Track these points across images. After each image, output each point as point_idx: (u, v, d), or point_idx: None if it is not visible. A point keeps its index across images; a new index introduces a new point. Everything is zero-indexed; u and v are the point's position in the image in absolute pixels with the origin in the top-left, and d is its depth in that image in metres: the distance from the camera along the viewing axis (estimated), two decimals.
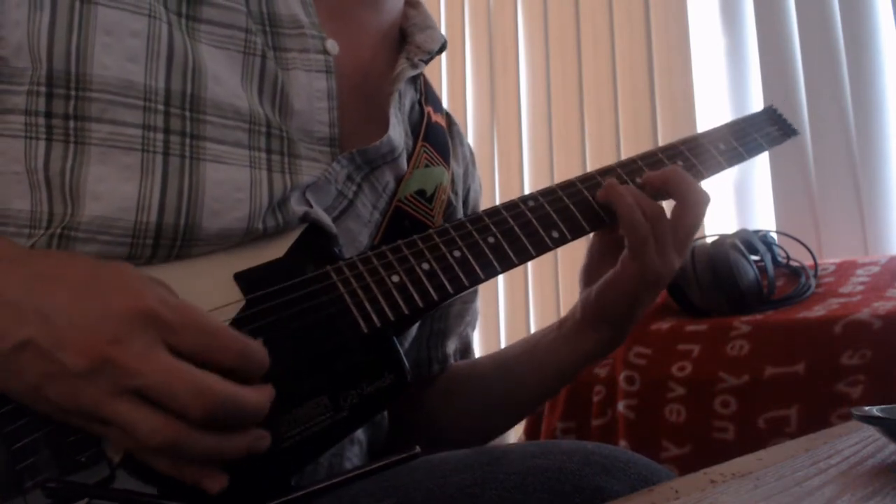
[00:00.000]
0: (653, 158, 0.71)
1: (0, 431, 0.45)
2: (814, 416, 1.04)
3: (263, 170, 0.57)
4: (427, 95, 0.76)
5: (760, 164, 1.77)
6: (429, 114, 0.73)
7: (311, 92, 0.62)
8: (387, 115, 0.67)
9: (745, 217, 1.78)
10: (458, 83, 2.38)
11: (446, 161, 0.73)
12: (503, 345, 2.23)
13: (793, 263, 1.37)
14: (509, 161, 2.23)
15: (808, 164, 1.68)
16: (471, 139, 2.34)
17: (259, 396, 0.46)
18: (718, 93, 1.84)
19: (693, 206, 0.65)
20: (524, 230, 0.62)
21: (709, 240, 1.33)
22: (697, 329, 1.22)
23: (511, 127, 2.24)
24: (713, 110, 1.85)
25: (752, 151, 0.77)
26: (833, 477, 0.37)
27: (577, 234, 0.64)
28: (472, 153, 0.86)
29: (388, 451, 0.60)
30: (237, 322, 0.52)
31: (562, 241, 0.63)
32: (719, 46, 1.84)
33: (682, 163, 0.71)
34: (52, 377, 0.43)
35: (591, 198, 0.66)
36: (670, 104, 1.93)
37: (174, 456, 0.44)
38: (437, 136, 0.73)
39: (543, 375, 0.75)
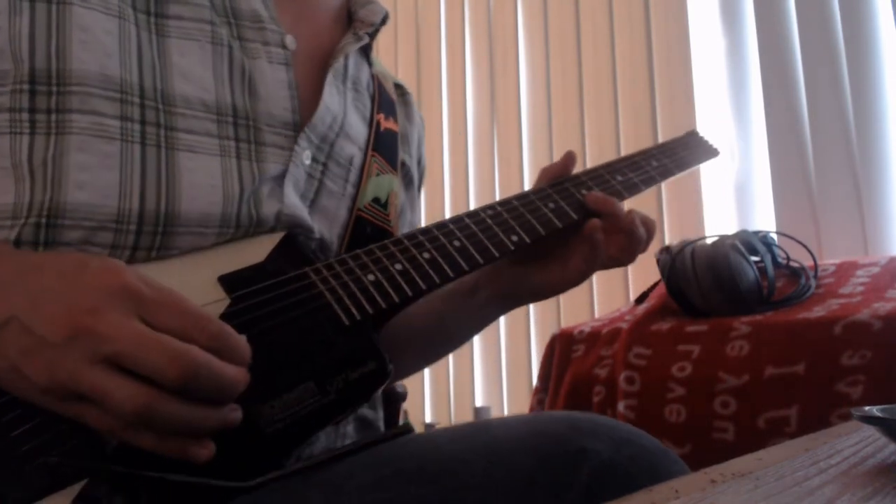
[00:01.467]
0: (596, 173, 0.82)
1: None
2: (814, 416, 1.04)
3: (233, 157, 0.61)
4: (381, 103, 0.80)
5: (760, 165, 1.77)
6: (379, 122, 0.78)
7: (275, 81, 0.66)
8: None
9: (745, 217, 1.78)
10: (458, 83, 2.38)
11: (394, 168, 0.79)
12: (503, 344, 2.24)
13: (793, 264, 1.37)
14: (509, 161, 2.23)
15: (808, 164, 1.68)
16: (471, 139, 2.34)
17: (235, 371, 0.46)
18: (718, 93, 1.84)
19: (622, 241, 0.76)
20: (486, 234, 0.70)
21: (709, 240, 1.33)
22: (697, 329, 1.22)
23: (511, 127, 2.24)
24: (713, 110, 1.85)
25: (681, 167, 0.89)
26: (833, 477, 0.37)
27: (533, 237, 0.72)
28: (422, 120, 0.94)
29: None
30: (224, 317, 0.54)
31: (520, 243, 0.71)
32: (719, 46, 1.84)
33: (621, 178, 0.82)
34: (30, 352, 0.44)
35: (543, 207, 0.75)
36: (670, 104, 1.93)
37: (153, 427, 0.44)
38: (386, 144, 0.78)
39: (456, 336, 0.89)
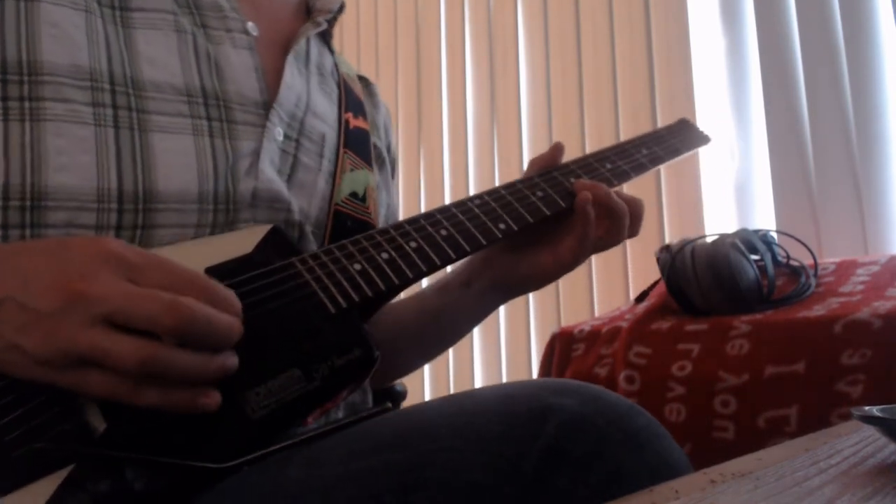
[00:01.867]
0: (584, 162, 0.82)
1: None
2: (814, 415, 1.04)
3: (206, 136, 0.63)
4: (348, 102, 0.82)
5: (760, 164, 1.77)
6: (347, 121, 0.79)
7: (241, 64, 0.68)
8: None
9: (745, 216, 1.78)
10: (458, 83, 2.38)
11: (369, 164, 0.81)
12: (503, 344, 2.23)
13: (793, 263, 1.37)
14: (509, 161, 2.23)
15: (808, 164, 1.68)
16: (471, 139, 2.34)
17: (229, 318, 0.48)
18: (718, 93, 1.84)
19: (611, 226, 0.78)
20: (473, 222, 0.70)
21: (709, 239, 1.33)
22: (697, 328, 1.22)
23: (511, 127, 2.24)
24: (713, 110, 1.85)
25: (671, 154, 0.90)
26: (833, 477, 0.37)
27: (521, 224, 0.73)
28: (387, 110, 0.96)
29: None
30: None
31: (508, 231, 0.71)
32: (719, 46, 1.84)
33: (610, 165, 0.83)
34: (27, 327, 0.45)
35: (531, 195, 0.75)
36: (670, 104, 1.93)
37: (157, 380, 0.45)
38: (357, 141, 0.80)
39: (453, 332, 0.89)
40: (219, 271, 0.58)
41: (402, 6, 2.53)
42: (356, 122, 0.81)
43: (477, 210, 0.72)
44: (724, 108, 1.83)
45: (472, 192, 2.32)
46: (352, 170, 0.76)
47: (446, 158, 2.38)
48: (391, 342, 0.79)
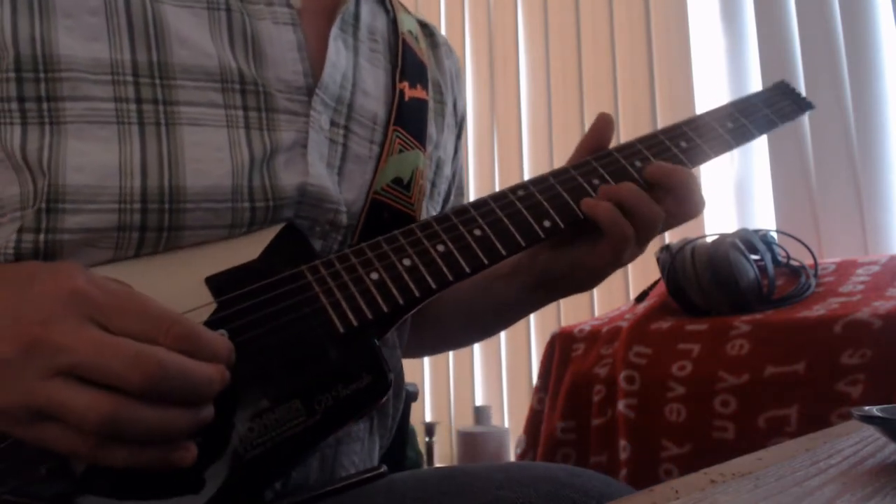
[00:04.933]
0: (653, 140, 0.68)
1: None
2: (814, 415, 1.04)
3: (241, 128, 0.56)
4: (404, 69, 0.71)
5: (760, 164, 1.77)
6: (402, 92, 0.69)
7: (283, 43, 0.61)
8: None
9: (745, 216, 1.78)
10: None
11: (421, 142, 0.70)
12: (503, 344, 2.23)
13: (793, 263, 1.37)
14: (509, 161, 2.23)
15: (808, 164, 1.68)
16: (471, 139, 2.34)
17: (208, 369, 0.42)
18: (718, 92, 1.84)
19: (687, 213, 0.65)
20: (513, 220, 0.60)
21: (709, 239, 1.33)
22: (697, 328, 1.22)
23: (511, 127, 2.24)
24: None
25: (763, 128, 0.73)
26: (833, 477, 0.37)
27: (570, 221, 0.61)
28: (457, 59, 0.83)
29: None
30: (207, 326, 0.49)
31: (554, 230, 0.61)
32: (719, 46, 1.84)
33: (685, 143, 0.68)
34: None
35: (585, 185, 0.63)
36: (670, 103, 1.93)
37: (123, 438, 0.40)
38: (410, 115, 0.69)
39: (504, 319, 0.78)
40: (219, 281, 0.52)
41: None
42: (413, 93, 0.71)
43: (519, 204, 0.61)
44: None
45: (471, 192, 2.32)
46: (401, 151, 0.67)
47: None
48: (443, 309, 0.72)
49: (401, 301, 0.54)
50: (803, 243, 1.37)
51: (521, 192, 0.62)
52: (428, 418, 2.33)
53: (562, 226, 0.61)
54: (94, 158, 0.51)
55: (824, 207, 1.65)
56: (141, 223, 0.51)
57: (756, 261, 1.29)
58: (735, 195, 1.81)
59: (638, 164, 0.65)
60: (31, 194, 0.51)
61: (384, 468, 0.50)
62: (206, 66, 0.56)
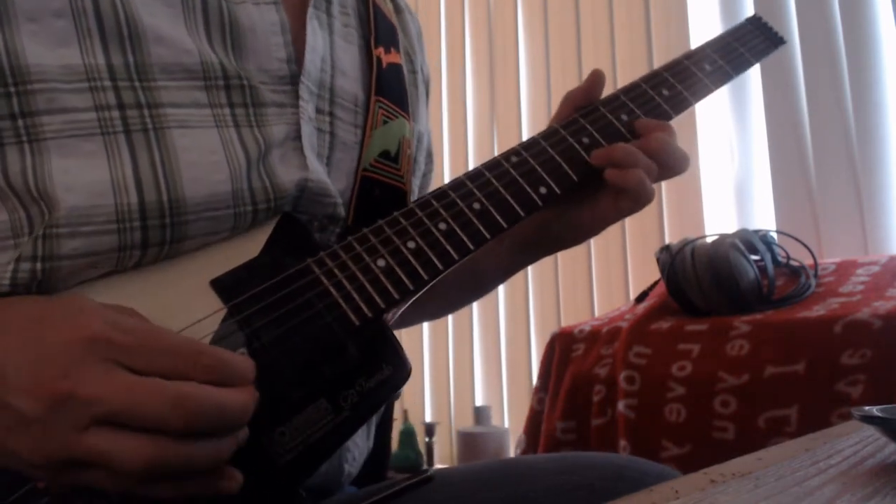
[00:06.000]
0: (637, 91, 0.69)
1: None
2: (814, 416, 1.04)
3: (231, 127, 0.53)
4: (378, 34, 0.68)
5: (760, 164, 1.77)
6: (379, 59, 0.67)
7: (265, 26, 0.57)
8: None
9: (745, 217, 1.78)
10: (457, 83, 2.38)
11: (404, 108, 0.68)
12: (503, 344, 2.23)
13: (793, 263, 1.37)
14: None
15: (808, 164, 1.68)
16: (471, 139, 2.34)
17: (242, 396, 0.42)
18: (718, 92, 1.84)
19: (673, 170, 0.66)
20: (509, 189, 0.60)
21: (709, 239, 1.33)
22: (697, 329, 1.22)
23: (511, 127, 2.24)
24: (712, 110, 1.85)
25: (739, 68, 0.75)
26: (833, 477, 0.37)
27: (565, 185, 0.61)
28: (419, 29, 0.83)
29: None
30: (220, 333, 0.49)
31: (550, 195, 0.61)
32: None
33: (666, 91, 0.69)
34: (13, 429, 0.39)
35: (575, 144, 0.63)
36: None
37: (167, 476, 0.40)
38: (390, 83, 0.67)
39: (483, 287, 0.81)
40: (224, 283, 0.50)
41: None
42: (389, 58, 0.69)
43: (514, 172, 0.60)
44: (724, 108, 1.83)
45: None
46: (385, 122, 0.65)
47: (446, 158, 2.38)
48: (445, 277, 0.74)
49: (411, 286, 0.53)
50: (803, 243, 1.37)
51: (514, 159, 0.62)
52: (428, 418, 2.33)
53: (558, 192, 0.61)
54: (83, 176, 0.48)
55: (824, 207, 1.65)
56: (142, 240, 0.49)
57: (756, 261, 1.29)
58: (735, 195, 1.81)
59: (624, 117, 0.66)
60: (23, 221, 0.48)
61: (431, 471, 0.51)
62: (186, 63, 0.53)
